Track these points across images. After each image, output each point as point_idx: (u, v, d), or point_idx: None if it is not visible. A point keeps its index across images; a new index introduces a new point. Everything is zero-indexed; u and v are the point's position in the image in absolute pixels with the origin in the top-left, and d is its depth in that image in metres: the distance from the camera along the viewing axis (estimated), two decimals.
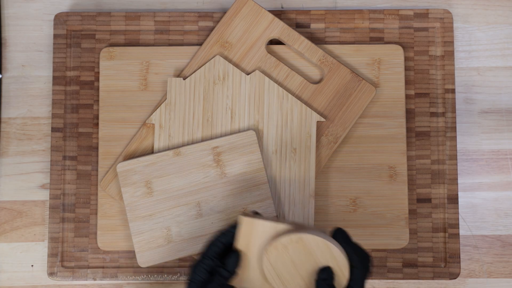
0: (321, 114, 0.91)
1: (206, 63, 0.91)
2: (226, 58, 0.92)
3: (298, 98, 0.91)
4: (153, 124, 0.91)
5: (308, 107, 0.90)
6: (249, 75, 0.91)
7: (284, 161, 0.90)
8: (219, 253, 0.77)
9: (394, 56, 0.93)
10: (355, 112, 0.91)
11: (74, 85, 0.94)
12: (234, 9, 0.92)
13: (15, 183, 0.94)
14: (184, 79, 0.91)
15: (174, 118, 0.90)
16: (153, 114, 0.90)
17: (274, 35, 0.92)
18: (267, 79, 0.90)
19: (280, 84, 0.91)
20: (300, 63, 0.93)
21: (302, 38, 0.92)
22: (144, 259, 0.88)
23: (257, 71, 0.90)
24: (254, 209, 0.88)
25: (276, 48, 0.93)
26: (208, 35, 0.93)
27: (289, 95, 0.90)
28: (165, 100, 0.91)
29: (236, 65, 0.92)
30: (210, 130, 0.90)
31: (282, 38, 0.92)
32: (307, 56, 0.92)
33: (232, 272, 0.76)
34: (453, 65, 0.94)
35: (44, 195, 0.94)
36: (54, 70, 0.94)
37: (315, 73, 0.93)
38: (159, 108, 0.90)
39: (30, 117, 0.95)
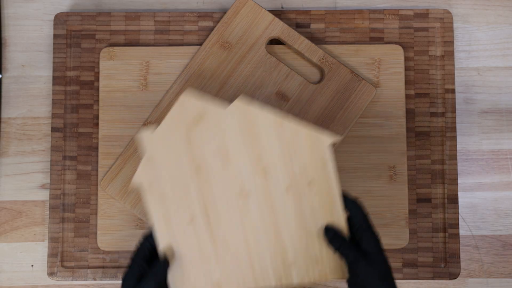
0: (332, 130, 0.87)
1: (176, 100, 0.75)
2: (225, 58, 0.92)
3: (298, 117, 0.87)
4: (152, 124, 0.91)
5: (314, 131, 0.76)
6: (230, 106, 0.75)
7: (302, 196, 0.76)
8: (147, 257, 0.75)
9: (394, 56, 0.93)
10: (355, 112, 0.91)
11: (74, 85, 0.94)
12: (234, 9, 0.92)
13: (15, 183, 0.94)
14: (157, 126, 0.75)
15: (160, 175, 0.75)
16: (135, 175, 0.75)
17: (274, 35, 0.92)
18: (253, 108, 0.75)
19: (279, 84, 0.91)
20: (300, 63, 0.93)
21: (302, 38, 0.92)
22: None
23: (237, 99, 0.75)
24: None
25: (276, 48, 0.93)
26: (208, 35, 0.93)
27: (287, 122, 0.75)
28: (165, 104, 0.91)
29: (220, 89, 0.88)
30: (204, 179, 0.75)
31: (282, 38, 0.92)
32: (307, 56, 0.92)
33: (160, 279, 0.74)
34: (453, 65, 0.94)
35: (44, 195, 0.94)
36: (54, 70, 0.94)
37: (315, 73, 0.93)
38: (140, 166, 0.74)
39: (30, 117, 0.95)
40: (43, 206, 0.94)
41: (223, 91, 0.91)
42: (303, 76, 0.92)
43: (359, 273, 0.73)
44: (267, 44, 0.93)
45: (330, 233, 0.75)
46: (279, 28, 0.92)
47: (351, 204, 0.76)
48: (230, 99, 0.91)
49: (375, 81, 0.93)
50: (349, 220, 0.76)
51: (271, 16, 0.92)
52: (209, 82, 0.91)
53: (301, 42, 0.92)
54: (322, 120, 0.91)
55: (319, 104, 0.91)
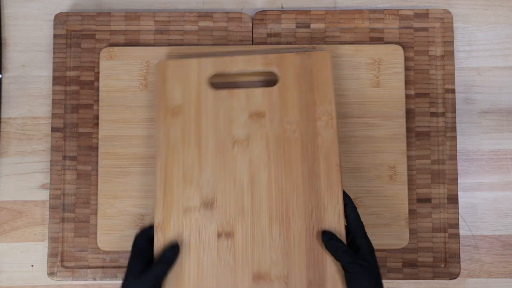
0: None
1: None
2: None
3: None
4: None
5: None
6: None
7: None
8: (149, 243, 0.82)
9: (394, 56, 0.93)
10: (327, 83, 0.87)
11: (74, 85, 0.94)
12: (160, 76, 0.88)
13: (15, 183, 0.94)
14: None
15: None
16: None
17: (210, 72, 0.88)
18: None
19: (247, 107, 0.86)
20: (249, 77, 0.90)
21: (235, 57, 0.88)
22: None
23: None
24: None
25: (220, 78, 0.90)
26: (205, 39, 0.93)
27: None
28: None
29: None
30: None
31: (217, 70, 0.88)
32: (250, 70, 0.88)
33: (170, 264, 0.80)
34: (453, 65, 0.94)
35: (44, 195, 0.94)
36: (54, 70, 0.94)
37: (270, 75, 0.90)
38: None
39: (30, 117, 0.95)
40: (43, 206, 0.94)
41: (202, 144, 0.86)
42: (261, 86, 0.89)
43: (354, 274, 0.77)
44: (210, 83, 0.88)
45: (327, 236, 0.81)
46: (210, 64, 0.88)
47: (348, 202, 0.83)
48: (213, 147, 0.86)
49: (375, 81, 0.93)
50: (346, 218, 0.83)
51: (194, 59, 0.88)
52: (185, 147, 0.86)
53: (235, 62, 0.88)
54: (305, 109, 0.86)
55: (293, 98, 0.87)
